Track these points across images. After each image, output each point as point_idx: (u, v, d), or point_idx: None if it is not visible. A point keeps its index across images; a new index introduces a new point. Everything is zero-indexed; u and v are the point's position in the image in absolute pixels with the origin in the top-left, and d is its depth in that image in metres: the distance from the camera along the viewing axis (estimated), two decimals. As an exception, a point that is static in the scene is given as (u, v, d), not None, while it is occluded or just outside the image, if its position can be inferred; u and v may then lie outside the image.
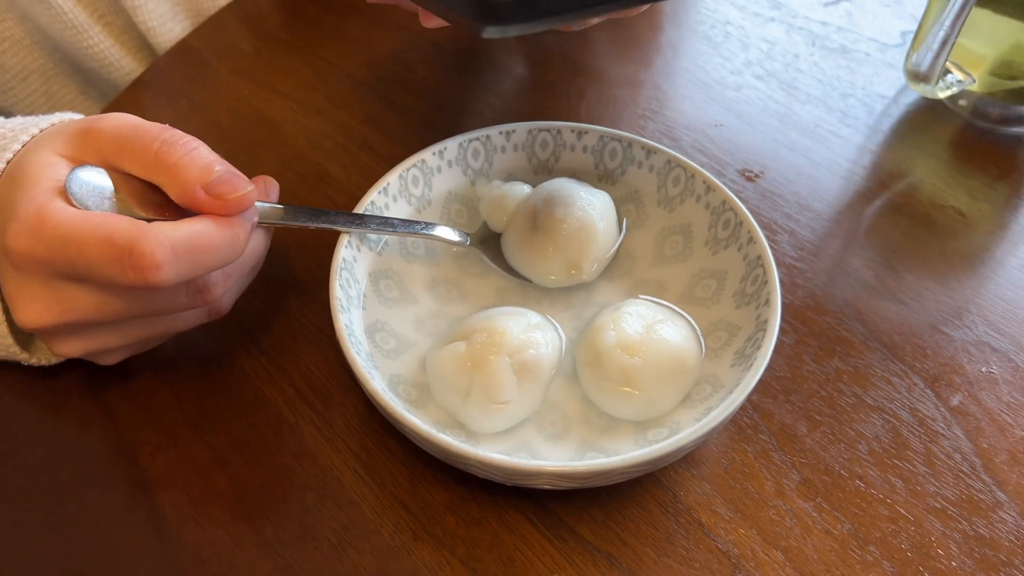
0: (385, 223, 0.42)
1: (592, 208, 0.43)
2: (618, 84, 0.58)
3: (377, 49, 0.60)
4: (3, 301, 0.40)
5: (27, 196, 0.34)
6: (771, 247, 0.41)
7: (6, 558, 0.37)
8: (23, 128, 0.39)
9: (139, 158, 0.35)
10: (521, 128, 0.46)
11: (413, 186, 0.45)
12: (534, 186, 0.46)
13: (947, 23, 0.47)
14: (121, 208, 0.35)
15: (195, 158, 0.35)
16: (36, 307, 0.35)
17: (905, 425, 0.40)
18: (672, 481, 0.39)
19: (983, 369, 0.43)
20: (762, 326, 0.38)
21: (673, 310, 0.42)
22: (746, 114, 0.56)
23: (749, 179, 0.52)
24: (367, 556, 0.37)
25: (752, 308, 0.39)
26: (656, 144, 0.45)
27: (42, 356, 0.41)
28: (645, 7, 0.36)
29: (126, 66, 0.65)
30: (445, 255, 0.45)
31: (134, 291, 0.35)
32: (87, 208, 0.34)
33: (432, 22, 0.38)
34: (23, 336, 0.42)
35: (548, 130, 0.47)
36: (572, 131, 0.46)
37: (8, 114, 0.43)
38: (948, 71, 0.52)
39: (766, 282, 0.39)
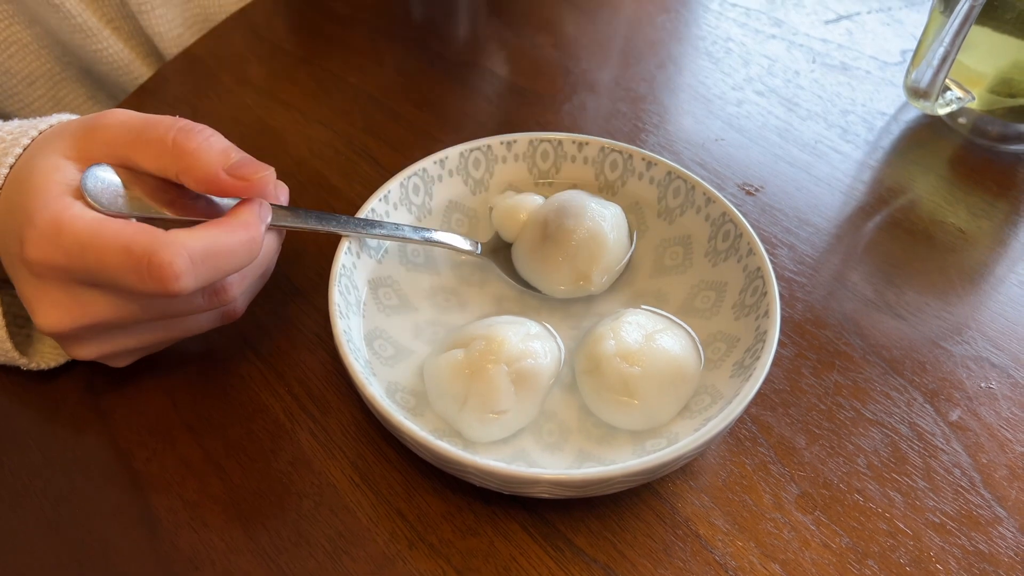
0: (396, 229, 0.42)
1: (603, 220, 0.43)
2: (619, 98, 0.58)
3: (380, 60, 0.61)
4: (1, 306, 0.40)
5: (40, 203, 0.34)
6: (771, 261, 0.41)
7: (2, 559, 0.37)
8: (22, 131, 0.39)
9: (154, 149, 0.35)
10: (522, 138, 0.47)
11: (414, 194, 0.45)
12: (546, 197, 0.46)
13: (947, 40, 0.47)
14: (135, 205, 0.35)
15: (213, 143, 0.35)
16: (56, 312, 0.35)
17: (904, 439, 0.40)
18: (670, 493, 0.38)
19: (982, 384, 0.43)
20: (761, 337, 0.37)
21: (672, 320, 0.42)
22: (747, 129, 0.56)
23: (749, 193, 0.52)
24: (362, 564, 0.36)
25: (751, 319, 0.39)
26: (657, 156, 0.45)
27: (40, 360, 0.41)
28: None
29: (136, 70, 0.65)
30: (445, 264, 0.45)
31: (152, 297, 0.35)
32: (102, 206, 0.34)
33: None
34: (22, 341, 0.41)
35: (549, 141, 0.47)
36: (573, 142, 0.47)
37: (12, 118, 0.43)
38: (948, 88, 0.52)
39: (765, 293, 0.39)
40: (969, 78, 0.52)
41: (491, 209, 0.47)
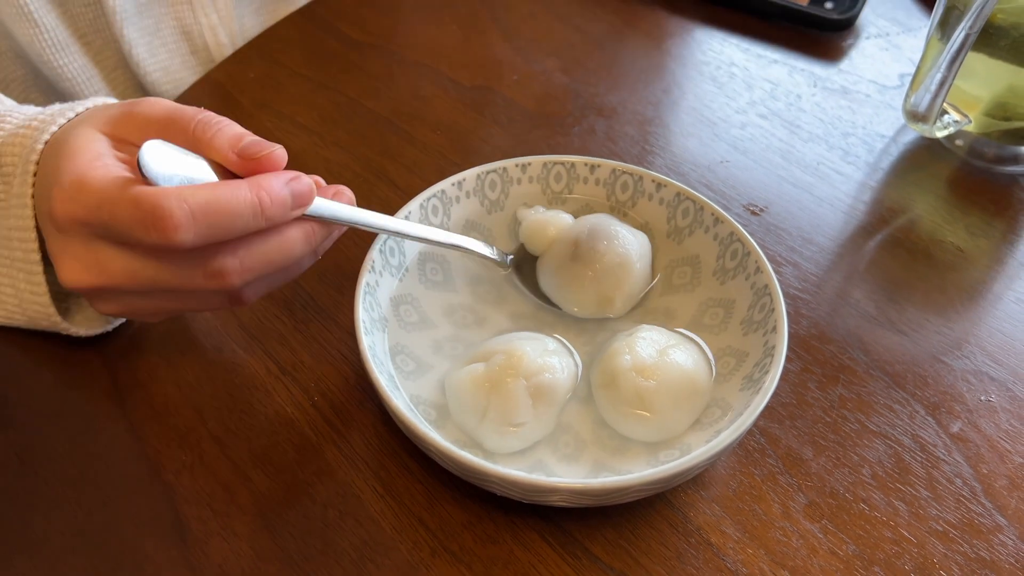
0: (432, 232, 0.43)
1: (631, 247, 0.45)
2: (627, 121, 0.60)
3: (396, 85, 0.63)
4: (45, 274, 0.43)
5: (71, 164, 0.37)
6: (776, 278, 0.43)
7: (37, 566, 0.38)
8: (60, 112, 0.43)
9: (180, 138, 0.38)
10: (536, 161, 0.48)
11: (433, 215, 0.47)
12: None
13: (944, 66, 0.49)
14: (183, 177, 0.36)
15: (227, 130, 0.38)
16: (76, 267, 0.37)
17: (907, 451, 0.42)
18: (682, 502, 0.40)
19: (982, 398, 0.44)
20: (770, 351, 0.39)
21: (685, 335, 0.43)
22: (750, 151, 0.58)
23: (754, 213, 0.53)
24: (387, 571, 0.38)
25: (760, 335, 0.41)
26: (666, 178, 0.47)
27: (80, 326, 0.44)
28: None
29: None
30: (462, 282, 0.47)
31: (159, 255, 0.36)
32: (156, 179, 0.35)
33: None
34: (63, 307, 0.45)
35: (562, 163, 0.49)
36: (585, 164, 0.48)
37: None
38: (945, 112, 0.54)
39: (773, 309, 0.40)
40: (966, 102, 0.54)
41: (519, 223, 0.48)
